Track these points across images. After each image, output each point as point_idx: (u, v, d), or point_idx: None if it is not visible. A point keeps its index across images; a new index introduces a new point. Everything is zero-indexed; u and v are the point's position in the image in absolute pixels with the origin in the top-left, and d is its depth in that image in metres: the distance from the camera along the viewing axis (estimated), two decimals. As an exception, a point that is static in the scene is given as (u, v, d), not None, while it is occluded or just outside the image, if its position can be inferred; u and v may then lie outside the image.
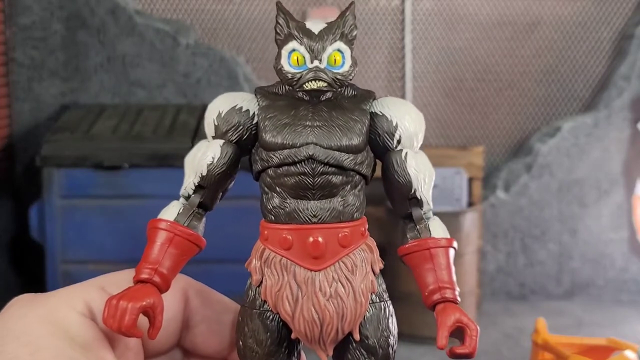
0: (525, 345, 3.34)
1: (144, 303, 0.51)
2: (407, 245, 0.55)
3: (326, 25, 0.56)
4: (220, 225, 2.63)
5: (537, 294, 4.51)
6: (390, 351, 0.55)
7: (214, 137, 0.56)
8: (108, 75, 4.18)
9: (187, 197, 0.56)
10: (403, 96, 4.44)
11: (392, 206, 0.58)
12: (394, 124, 0.56)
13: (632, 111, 4.44)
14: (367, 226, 0.56)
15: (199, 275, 0.56)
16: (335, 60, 0.55)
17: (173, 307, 0.55)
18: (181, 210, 0.55)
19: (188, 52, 4.19)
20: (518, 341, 3.77)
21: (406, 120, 0.56)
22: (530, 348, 2.61)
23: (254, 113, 0.55)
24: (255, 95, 0.56)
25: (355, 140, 0.54)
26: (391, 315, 0.55)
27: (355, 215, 0.54)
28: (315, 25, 0.56)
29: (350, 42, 0.56)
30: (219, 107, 0.56)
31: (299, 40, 0.56)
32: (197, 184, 0.55)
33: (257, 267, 0.55)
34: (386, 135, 0.56)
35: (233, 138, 0.55)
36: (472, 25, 4.53)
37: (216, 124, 0.56)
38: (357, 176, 0.54)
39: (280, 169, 0.53)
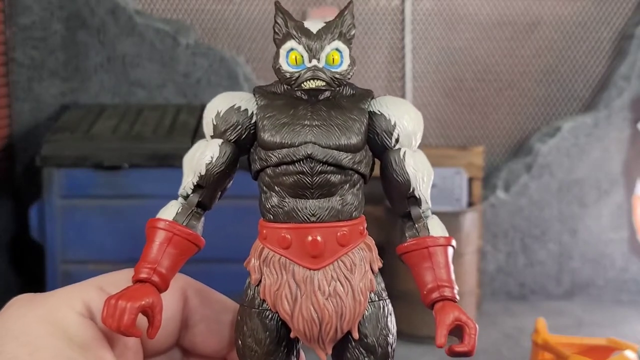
0: (525, 345, 3.34)
1: (143, 302, 0.51)
2: (405, 244, 0.55)
3: (324, 24, 0.56)
4: (219, 224, 2.63)
5: (537, 294, 4.51)
6: (390, 350, 0.55)
7: (212, 137, 0.56)
8: (108, 75, 4.18)
9: (186, 197, 0.56)
10: (403, 96, 4.44)
11: (391, 205, 0.58)
12: (393, 123, 0.56)
13: (632, 111, 4.44)
14: (365, 225, 0.56)
15: (197, 275, 0.56)
16: (333, 59, 0.55)
17: (172, 307, 0.55)
18: (180, 210, 0.55)
19: (188, 52, 4.19)
20: (518, 341, 3.77)
21: (405, 119, 0.56)
22: (530, 348, 2.61)
23: (252, 112, 0.55)
24: (254, 94, 0.56)
25: (354, 139, 0.54)
26: (390, 314, 0.55)
27: (354, 214, 0.54)
28: (313, 25, 0.56)
29: (348, 42, 0.56)
30: (217, 106, 0.56)
31: (297, 40, 0.56)
32: (195, 184, 0.55)
33: (256, 266, 0.55)
34: (384, 134, 0.56)
35: (232, 137, 0.55)
36: (472, 25, 4.53)
37: (215, 123, 0.56)
38: (356, 175, 0.55)
39: (279, 168, 0.53)
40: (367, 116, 0.55)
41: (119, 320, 0.49)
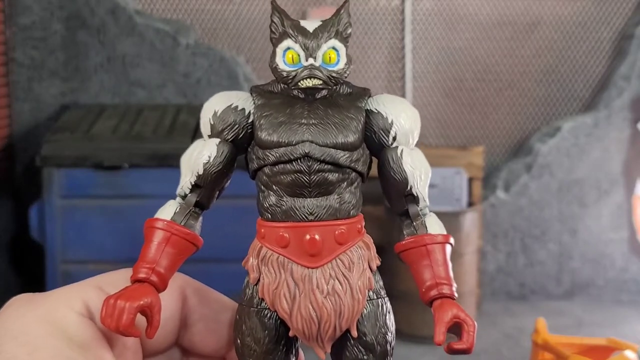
0: (525, 345, 3.34)
1: (142, 302, 0.51)
2: (403, 242, 0.56)
3: (321, 23, 0.56)
4: (217, 224, 2.64)
5: (537, 294, 4.51)
6: (388, 348, 0.55)
7: (210, 136, 0.56)
8: (108, 75, 4.18)
9: (184, 197, 0.56)
10: (403, 96, 4.44)
11: (389, 203, 0.58)
12: (390, 121, 0.56)
13: (632, 111, 4.44)
14: (363, 223, 0.56)
15: (196, 274, 0.56)
16: (330, 58, 0.55)
17: (171, 306, 0.55)
18: (178, 210, 0.55)
19: (188, 52, 4.19)
20: (518, 341, 3.76)
21: (402, 117, 0.56)
22: (530, 348, 2.61)
23: (249, 112, 0.55)
24: (251, 93, 0.56)
25: (351, 138, 0.54)
26: (389, 312, 0.55)
27: (351, 213, 0.55)
28: (310, 24, 0.56)
29: (345, 40, 0.56)
30: (214, 106, 0.56)
31: (293, 39, 0.56)
32: (193, 183, 0.55)
33: (254, 265, 0.55)
34: (382, 132, 0.56)
35: (229, 137, 0.56)
36: (472, 25, 4.53)
37: (212, 123, 0.56)
38: (353, 173, 0.55)
39: (277, 167, 0.54)
40: (364, 114, 0.55)
41: (117, 320, 0.50)
